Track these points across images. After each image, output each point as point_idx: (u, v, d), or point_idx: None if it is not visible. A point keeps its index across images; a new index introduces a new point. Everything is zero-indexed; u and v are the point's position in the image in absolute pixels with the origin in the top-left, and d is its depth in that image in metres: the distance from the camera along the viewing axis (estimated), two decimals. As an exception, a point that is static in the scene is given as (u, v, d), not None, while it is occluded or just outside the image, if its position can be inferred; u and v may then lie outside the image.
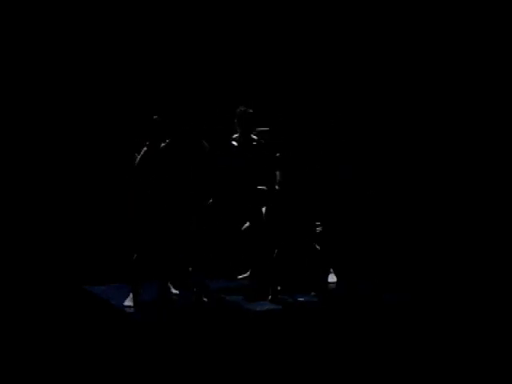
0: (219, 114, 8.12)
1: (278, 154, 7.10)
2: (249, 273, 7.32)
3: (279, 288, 7.05)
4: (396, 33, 8.16)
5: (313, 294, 7.08)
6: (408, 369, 5.39)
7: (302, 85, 8.65)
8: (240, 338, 6.06)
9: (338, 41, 8.47)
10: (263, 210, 7.16)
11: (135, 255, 6.88)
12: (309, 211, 7.11)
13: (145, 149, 6.92)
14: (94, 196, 8.37)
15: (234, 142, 7.23)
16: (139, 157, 6.92)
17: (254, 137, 7.26)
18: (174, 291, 7.08)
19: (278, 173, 7.08)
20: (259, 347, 5.81)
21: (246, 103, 7.65)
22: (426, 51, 8.18)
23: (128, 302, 6.85)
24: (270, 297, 6.96)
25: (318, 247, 7.19)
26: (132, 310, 6.77)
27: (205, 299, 6.89)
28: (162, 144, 6.99)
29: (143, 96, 8.46)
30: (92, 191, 8.37)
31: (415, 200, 7.90)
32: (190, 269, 7.04)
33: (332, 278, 7.43)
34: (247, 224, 7.25)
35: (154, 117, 7.01)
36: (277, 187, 7.02)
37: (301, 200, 7.05)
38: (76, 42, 8.37)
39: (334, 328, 6.24)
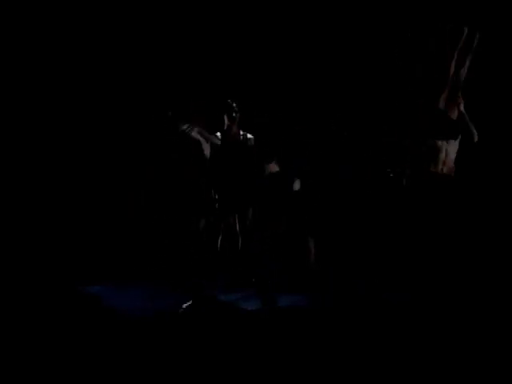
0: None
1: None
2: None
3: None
4: (394, 33, 8.16)
5: (311, 293, 7.08)
6: (408, 369, 5.35)
7: (301, 85, 8.67)
8: (238, 337, 6.04)
9: (338, 41, 8.49)
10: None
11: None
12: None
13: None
14: (91, 195, 8.40)
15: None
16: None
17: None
18: None
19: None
20: (257, 347, 5.79)
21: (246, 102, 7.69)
22: (426, 51, 8.15)
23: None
24: None
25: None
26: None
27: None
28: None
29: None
30: (89, 190, 8.40)
31: (415, 200, 7.87)
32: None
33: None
34: None
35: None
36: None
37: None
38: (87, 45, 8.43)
39: (334, 328, 6.21)
